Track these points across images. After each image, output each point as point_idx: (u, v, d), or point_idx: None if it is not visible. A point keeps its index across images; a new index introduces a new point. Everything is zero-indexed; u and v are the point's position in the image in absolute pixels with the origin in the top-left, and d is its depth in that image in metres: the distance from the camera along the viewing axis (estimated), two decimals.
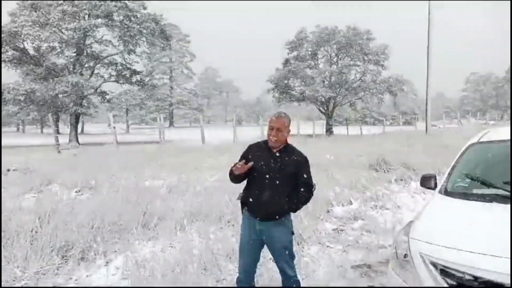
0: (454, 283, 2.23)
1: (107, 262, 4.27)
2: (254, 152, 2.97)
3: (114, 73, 22.75)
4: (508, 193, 2.79)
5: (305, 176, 2.94)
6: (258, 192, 2.87)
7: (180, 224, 5.30)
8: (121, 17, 20.73)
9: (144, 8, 21.25)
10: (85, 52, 21.37)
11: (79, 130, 26.91)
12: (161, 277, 3.78)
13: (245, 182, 3.05)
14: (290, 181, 2.90)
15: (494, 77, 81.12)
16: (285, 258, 2.93)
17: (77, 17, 20.10)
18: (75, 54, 21.09)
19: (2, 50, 19.50)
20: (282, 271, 2.98)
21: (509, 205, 2.67)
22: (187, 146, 16.10)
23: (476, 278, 2.16)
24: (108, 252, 4.45)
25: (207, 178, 8.30)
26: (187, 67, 65.49)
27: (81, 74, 20.91)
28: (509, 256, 2.13)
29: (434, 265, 2.35)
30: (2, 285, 3.63)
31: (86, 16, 20.72)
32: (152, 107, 54.54)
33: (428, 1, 20.42)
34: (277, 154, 2.90)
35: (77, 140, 21.53)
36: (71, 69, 21.07)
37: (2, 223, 4.47)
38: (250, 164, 2.82)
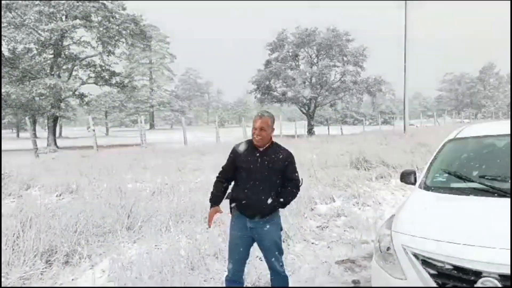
0: (435, 272, 2.34)
1: (92, 265, 4.24)
2: (241, 151, 3.01)
3: (93, 75, 22.30)
4: (483, 186, 2.93)
5: (291, 172, 3.01)
6: (248, 191, 2.92)
7: (165, 225, 5.30)
8: (100, 18, 20.35)
9: (124, 9, 20.93)
10: (62, 53, 20.90)
11: (57, 133, 26.28)
12: (148, 278, 3.78)
13: (232, 182, 3.11)
14: (277, 178, 2.96)
15: (468, 77, 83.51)
16: (275, 254, 3.00)
17: (54, 18, 19.65)
18: (52, 56, 20.61)
19: None
20: (272, 268, 3.04)
21: (485, 198, 2.80)
22: (169, 148, 16.00)
23: (455, 267, 2.27)
24: (93, 256, 4.41)
25: (191, 180, 8.30)
26: (167, 68, 64.92)
27: (59, 76, 20.46)
28: (485, 245, 2.24)
29: (416, 256, 2.45)
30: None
31: (64, 17, 20.27)
32: (132, 109, 53.89)
33: (404, 1, 20.88)
34: (263, 153, 2.96)
35: (55, 144, 21.06)
36: (48, 71, 20.58)
37: None
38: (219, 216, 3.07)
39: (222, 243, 4.51)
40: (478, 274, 2.17)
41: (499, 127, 3.90)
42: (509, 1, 45.58)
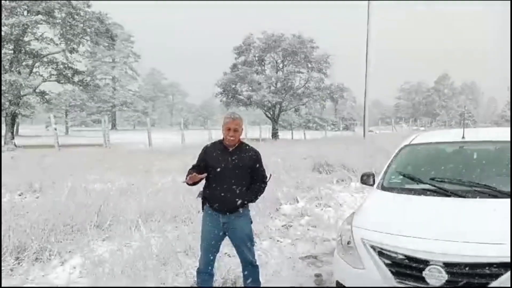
0: (389, 262, 2.66)
1: (62, 262, 4.29)
2: (211, 152, 3.22)
3: (54, 72, 21.48)
4: (433, 187, 3.31)
5: (260, 169, 3.28)
6: (220, 188, 3.12)
7: (135, 224, 5.39)
8: (64, 15, 19.70)
9: (88, 6, 20.47)
10: (23, 49, 20.07)
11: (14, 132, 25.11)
12: (121, 274, 3.89)
13: (203, 181, 3.28)
14: (247, 175, 3.21)
15: (425, 86, 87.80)
16: (247, 245, 3.24)
17: (16, 13, 18.89)
18: (12, 52, 19.74)
19: None
20: (244, 259, 3.27)
21: (434, 197, 3.18)
22: (133, 149, 15.86)
23: (406, 257, 2.59)
24: (62, 253, 4.47)
25: (158, 181, 8.36)
26: (131, 68, 63.50)
27: (19, 73, 19.58)
28: (432, 238, 2.58)
29: (373, 248, 2.76)
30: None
31: (26, 12, 19.51)
32: (94, 109, 52.28)
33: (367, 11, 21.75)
34: (233, 152, 3.18)
35: (13, 143, 20.17)
36: (7, 67, 19.70)
37: None
38: (204, 175, 3.08)
39: (192, 241, 4.69)
40: (426, 263, 2.50)
41: (450, 135, 4.39)
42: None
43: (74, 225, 5.14)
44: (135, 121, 66.31)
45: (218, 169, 3.12)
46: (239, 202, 3.13)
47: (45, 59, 21.35)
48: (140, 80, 69.85)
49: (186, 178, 3.10)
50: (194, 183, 3.11)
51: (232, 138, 3.13)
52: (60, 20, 20.06)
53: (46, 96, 21.90)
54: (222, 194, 3.11)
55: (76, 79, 22.20)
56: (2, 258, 4.01)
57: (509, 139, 3.87)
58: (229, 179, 3.12)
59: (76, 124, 55.82)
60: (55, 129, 14.95)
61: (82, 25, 20.10)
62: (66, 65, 21.85)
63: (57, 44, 21.36)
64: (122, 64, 61.30)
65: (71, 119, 51.87)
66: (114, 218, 5.53)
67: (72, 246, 4.66)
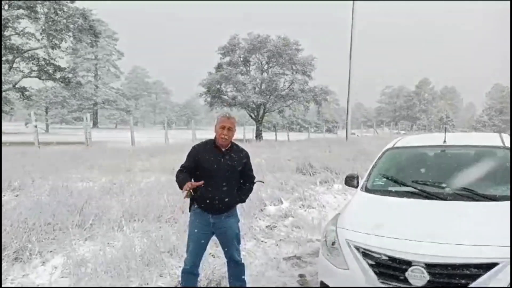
0: (373, 263, 2.72)
1: (43, 262, 4.22)
2: (203, 152, 3.18)
3: (35, 68, 20.98)
4: (416, 190, 3.40)
5: (249, 169, 3.31)
6: (212, 189, 3.09)
7: (117, 224, 5.34)
8: (46, 10, 19.28)
9: (72, 2, 20.06)
10: (3, 44, 19.52)
11: None
12: (104, 274, 3.85)
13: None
14: (238, 176, 3.22)
15: (405, 90, 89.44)
16: (234, 244, 3.25)
17: None
18: None
19: None
20: (231, 257, 3.28)
21: (416, 199, 3.27)
22: (116, 148, 15.61)
23: (390, 258, 2.66)
24: (44, 252, 4.38)
25: (141, 180, 8.29)
26: (114, 65, 62.62)
27: None
28: (414, 239, 2.65)
29: (357, 248, 2.82)
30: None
31: (6, 6, 18.99)
32: (75, 106, 51.33)
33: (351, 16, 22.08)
34: (226, 153, 3.18)
35: None
36: None
37: None
38: (201, 183, 3.00)
39: (177, 241, 4.68)
40: (408, 264, 2.57)
41: (432, 139, 4.50)
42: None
43: (55, 224, 5.05)
44: (117, 119, 65.44)
45: (211, 170, 3.10)
46: (232, 202, 3.14)
47: (26, 55, 20.87)
48: (123, 78, 69.01)
49: (187, 192, 2.97)
50: (195, 192, 3.01)
51: (226, 137, 3.11)
52: (42, 15, 19.64)
53: (26, 93, 21.41)
54: (214, 195, 3.09)
55: (57, 75, 21.76)
56: None
57: (488, 144, 4.01)
58: (222, 180, 3.11)
59: (56, 122, 54.74)
60: (36, 126, 14.59)
61: (65, 21, 19.73)
62: (47, 61, 21.40)
63: (38, 40, 20.91)
64: (105, 62, 60.43)
65: (52, 116, 50.79)
66: (97, 218, 5.46)
67: (53, 246, 4.58)
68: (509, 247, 2.45)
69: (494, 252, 2.44)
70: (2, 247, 4.16)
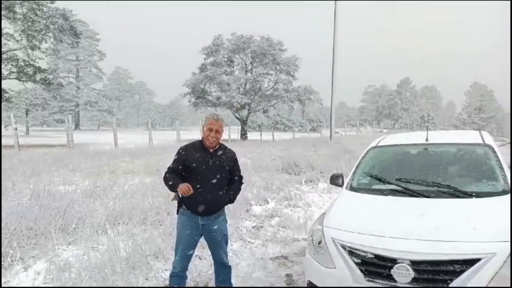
0: (359, 261, 2.74)
1: (25, 268, 4.12)
2: (191, 153, 3.15)
3: (14, 69, 20.42)
4: (399, 188, 3.45)
5: (237, 169, 3.32)
6: (202, 190, 3.06)
7: (101, 227, 5.25)
8: (25, 10, 18.79)
9: (52, 2, 19.62)
10: None
11: None
12: (89, 278, 3.79)
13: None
14: (226, 176, 3.22)
15: (387, 89, 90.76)
16: (222, 246, 3.25)
17: None
18: None
19: None
20: (218, 260, 3.27)
21: (400, 197, 3.31)
22: (98, 150, 15.35)
23: (375, 256, 2.68)
24: (26, 258, 4.28)
25: (125, 183, 8.18)
26: (95, 66, 61.65)
27: None
28: (399, 237, 2.68)
29: (344, 247, 2.84)
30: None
31: None
32: (56, 108, 50.33)
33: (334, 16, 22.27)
34: (214, 153, 3.17)
35: None
36: None
37: None
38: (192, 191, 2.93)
39: (162, 243, 4.64)
40: (394, 261, 2.59)
41: (414, 137, 4.57)
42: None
43: (37, 229, 4.93)
44: (100, 121, 64.50)
45: (200, 171, 3.07)
46: (220, 203, 3.12)
47: (4, 56, 20.31)
48: (105, 79, 68.00)
49: (175, 194, 2.92)
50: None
51: (213, 140, 3.11)
52: (21, 16, 19.13)
53: (5, 94, 20.82)
54: (204, 196, 3.07)
55: (38, 77, 21.22)
56: None
57: (469, 141, 4.09)
58: (210, 181, 3.10)
59: (37, 124, 53.59)
60: (16, 128, 14.23)
61: (44, 21, 19.25)
62: (27, 62, 20.85)
63: (17, 41, 20.34)
64: (86, 62, 59.47)
65: (32, 119, 49.65)
66: (80, 221, 5.36)
67: (35, 251, 4.48)
68: (491, 243, 2.50)
69: (477, 248, 2.49)
70: None
